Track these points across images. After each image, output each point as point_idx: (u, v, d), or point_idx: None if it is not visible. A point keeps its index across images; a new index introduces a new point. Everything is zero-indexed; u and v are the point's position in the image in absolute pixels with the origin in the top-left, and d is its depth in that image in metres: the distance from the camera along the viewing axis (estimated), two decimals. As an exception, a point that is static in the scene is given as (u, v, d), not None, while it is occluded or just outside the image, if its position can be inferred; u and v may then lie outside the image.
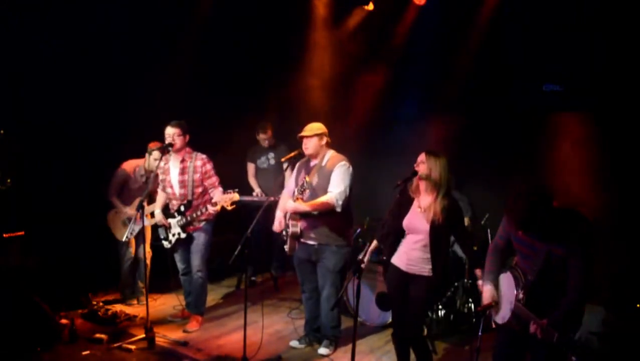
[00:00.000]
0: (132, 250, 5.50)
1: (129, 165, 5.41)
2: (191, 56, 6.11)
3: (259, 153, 6.32)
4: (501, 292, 3.13)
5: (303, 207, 4.23)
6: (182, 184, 4.80)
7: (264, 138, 6.22)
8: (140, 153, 5.44)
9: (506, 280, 3.10)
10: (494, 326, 3.20)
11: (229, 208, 4.55)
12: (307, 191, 4.24)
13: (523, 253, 3.05)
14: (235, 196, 4.49)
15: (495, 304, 3.14)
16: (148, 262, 5.34)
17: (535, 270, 2.93)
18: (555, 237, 2.85)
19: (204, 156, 4.81)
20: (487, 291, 3.15)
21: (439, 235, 3.56)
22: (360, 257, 3.57)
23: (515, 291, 2.97)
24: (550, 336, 2.76)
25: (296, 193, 4.22)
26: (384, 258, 5.14)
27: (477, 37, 5.84)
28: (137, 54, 5.66)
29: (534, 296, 2.94)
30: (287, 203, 4.30)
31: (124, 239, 5.30)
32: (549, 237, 2.87)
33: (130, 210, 5.38)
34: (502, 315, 3.08)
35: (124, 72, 5.57)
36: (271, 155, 6.24)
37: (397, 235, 3.75)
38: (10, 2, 5.02)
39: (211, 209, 4.62)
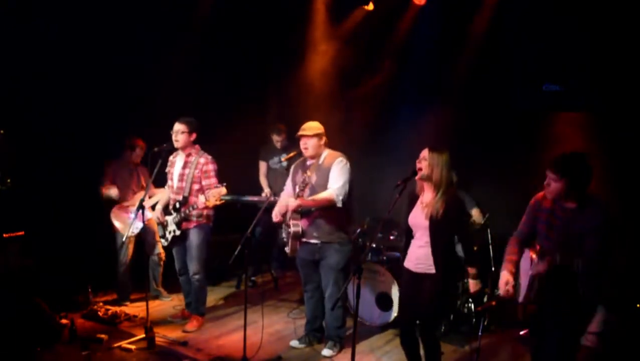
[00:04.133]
0: (130, 253, 5.50)
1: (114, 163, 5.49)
2: (191, 56, 6.11)
3: (272, 153, 6.38)
4: (520, 273, 3.23)
5: (305, 202, 4.24)
6: (181, 177, 4.79)
7: (277, 140, 6.31)
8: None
9: (523, 259, 3.23)
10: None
11: (218, 202, 4.49)
12: (308, 187, 4.22)
13: (544, 235, 3.16)
14: (223, 190, 4.44)
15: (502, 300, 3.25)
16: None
17: (554, 249, 3.04)
18: (581, 214, 3.01)
19: (209, 156, 4.81)
20: (503, 276, 3.24)
21: (439, 231, 3.52)
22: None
23: (531, 265, 3.09)
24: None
25: (297, 190, 4.19)
26: (384, 258, 5.18)
27: (477, 37, 5.84)
28: (137, 54, 5.66)
29: (552, 273, 3.04)
30: (289, 201, 4.27)
31: (125, 236, 5.17)
32: (576, 213, 3.03)
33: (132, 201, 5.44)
34: (522, 292, 3.20)
35: (124, 72, 5.57)
36: (283, 156, 6.22)
37: (408, 235, 3.74)
38: (11, 2, 5.02)
39: (200, 204, 4.53)
